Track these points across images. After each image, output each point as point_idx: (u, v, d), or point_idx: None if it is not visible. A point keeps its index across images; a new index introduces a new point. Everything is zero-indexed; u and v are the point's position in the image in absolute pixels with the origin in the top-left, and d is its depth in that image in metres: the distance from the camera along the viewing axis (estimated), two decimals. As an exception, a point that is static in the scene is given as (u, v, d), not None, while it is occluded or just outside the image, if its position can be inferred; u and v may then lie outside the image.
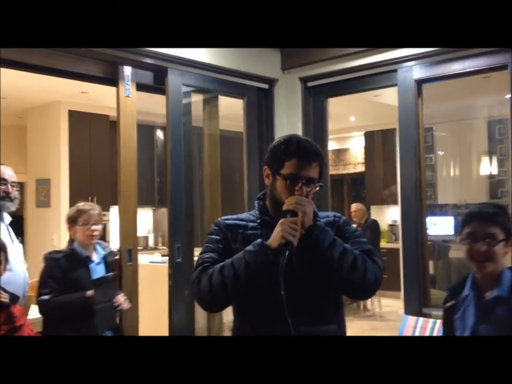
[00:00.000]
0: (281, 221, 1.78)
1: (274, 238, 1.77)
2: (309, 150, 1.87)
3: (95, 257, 3.31)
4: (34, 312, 3.29)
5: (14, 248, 3.10)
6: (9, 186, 3.10)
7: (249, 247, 1.79)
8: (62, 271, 3.16)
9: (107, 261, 3.36)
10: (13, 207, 3.15)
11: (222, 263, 1.83)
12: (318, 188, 1.89)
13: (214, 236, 1.96)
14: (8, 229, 3.15)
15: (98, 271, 3.28)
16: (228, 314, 4.69)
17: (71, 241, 3.31)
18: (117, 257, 3.58)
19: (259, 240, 1.80)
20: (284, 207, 1.81)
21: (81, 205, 3.35)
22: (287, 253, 1.74)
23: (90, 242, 3.27)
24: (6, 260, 2.67)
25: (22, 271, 3.11)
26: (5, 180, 3.09)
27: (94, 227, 3.25)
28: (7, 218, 3.21)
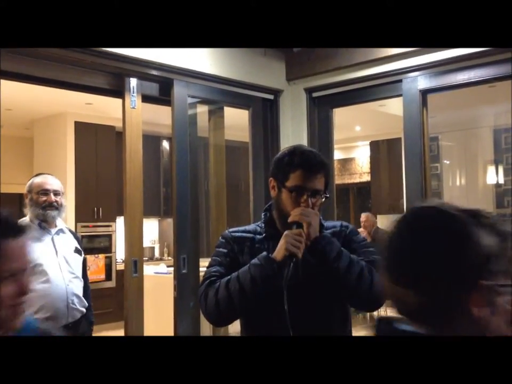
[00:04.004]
0: (285, 233, 1.77)
1: (279, 251, 1.76)
2: (313, 161, 1.85)
3: None
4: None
5: (57, 260, 3.14)
6: (52, 196, 3.18)
7: (254, 260, 1.79)
8: None
9: None
10: (58, 215, 3.23)
11: (228, 277, 1.82)
12: (324, 199, 1.87)
13: (221, 249, 1.95)
14: (53, 240, 3.18)
15: None
16: (233, 326, 4.67)
17: None
18: None
19: (264, 253, 1.79)
20: (289, 219, 1.80)
21: None
22: (291, 266, 1.73)
23: None
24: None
25: (63, 283, 3.12)
26: (47, 189, 3.19)
27: None
28: (61, 225, 3.27)
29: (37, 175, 3.34)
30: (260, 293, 1.76)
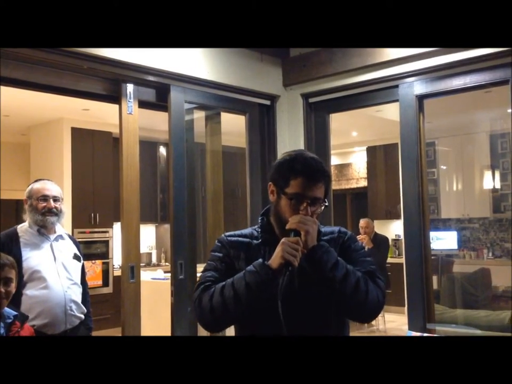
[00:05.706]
0: (282, 240, 1.74)
1: (275, 258, 1.73)
2: (315, 169, 1.82)
3: None
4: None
5: (55, 266, 3.13)
6: (51, 202, 3.18)
7: (249, 267, 1.76)
8: None
9: None
10: (57, 221, 3.23)
11: (223, 283, 1.80)
12: (323, 207, 1.85)
13: (216, 253, 1.93)
14: (51, 247, 3.17)
15: None
16: (230, 332, 4.67)
17: None
18: None
19: (260, 260, 1.76)
20: (287, 226, 1.77)
21: None
22: (286, 274, 1.71)
23: None
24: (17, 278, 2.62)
25: (61, 289, 3.10)
26: (46, 195, 3.19)
27: None
28: (60, 231, 3.27)
29: (36, 180, 3.33)
30: (255, 300, 1.73)
